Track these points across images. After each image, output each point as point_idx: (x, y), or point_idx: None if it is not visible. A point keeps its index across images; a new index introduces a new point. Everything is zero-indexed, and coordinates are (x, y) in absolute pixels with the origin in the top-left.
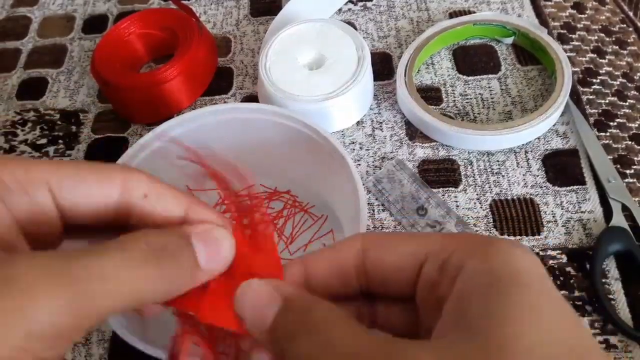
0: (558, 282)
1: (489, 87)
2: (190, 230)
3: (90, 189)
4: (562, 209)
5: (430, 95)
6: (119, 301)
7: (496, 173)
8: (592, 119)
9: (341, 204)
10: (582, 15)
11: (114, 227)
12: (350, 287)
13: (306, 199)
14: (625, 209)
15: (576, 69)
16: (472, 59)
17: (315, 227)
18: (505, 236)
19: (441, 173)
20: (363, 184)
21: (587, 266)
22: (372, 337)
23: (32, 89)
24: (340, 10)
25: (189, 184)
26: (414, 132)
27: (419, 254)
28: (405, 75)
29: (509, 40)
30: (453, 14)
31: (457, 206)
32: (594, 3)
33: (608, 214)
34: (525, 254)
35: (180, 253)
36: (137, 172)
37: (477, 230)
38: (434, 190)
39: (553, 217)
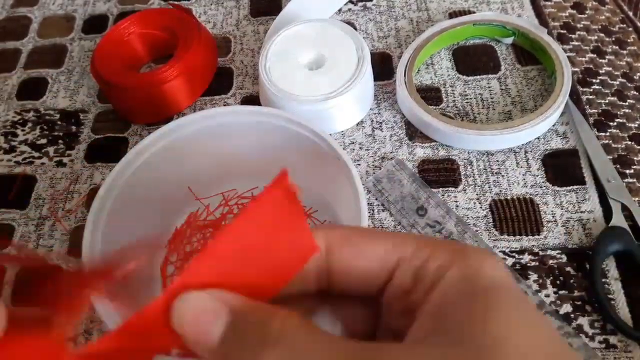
0: (558, 282)
1: (489, 87)
2: None
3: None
4: (562, 208)
5: (430, 95)
6: None
7: (496, 173)
8: (591, 119)
9: (342, 206)
10: (582, 16)
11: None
12: (308, 287)
13: (307, 200)
14: (625, 208)
15: (576, 69)
16: (472, 59)
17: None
18: (505, 236)
19: (441, 173)
20: (363, 184)
21: (587, 266)
22: (345, 344)
23: (32, 89)
24: (340, 10)
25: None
26: (413, 132)
27: (390, 259)
28: (405, 76)
29: (509, 40)
30: (453, 14)
31: (457, 206)
32: (594, 3)
33: (608, 213)
34: (498, 263)
35: None
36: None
37: (477, 230)
38: (434, 190)
39: (553, 217)
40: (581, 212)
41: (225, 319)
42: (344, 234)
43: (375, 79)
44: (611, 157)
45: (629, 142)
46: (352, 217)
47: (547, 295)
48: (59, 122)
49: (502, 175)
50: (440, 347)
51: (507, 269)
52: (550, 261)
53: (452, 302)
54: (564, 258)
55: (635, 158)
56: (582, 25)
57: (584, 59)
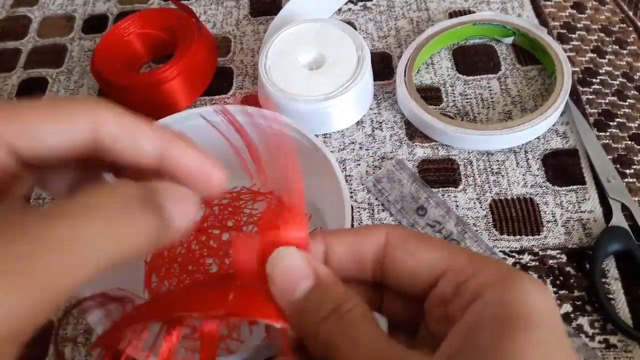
0: (558, 282)
1: (489, 87)
2: (157, 186)
3: (53, 138)
4: (562, 208)
5: (430, 95)
6: (90, 268)
7: (496, 173)
8: (592, 119)
9: (326, 202)
10: (582, 15)
11: (86, 164)
12: (364, 274)
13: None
14: (625, 208)
15: (576, 69)
16: (472, 59)
17: None
18: (505, 236)
19: (441, 173)
20: (363, 184)
21: (587, 266)
22: (390, 345)
23: (32, 89)
24: (340, 10)
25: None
26: (413, 132)
27: (439, 266)
28: (405, 75)
29: (509, 40)
30: (453, 14)
31: (457, 206)
32: (594, 3)
33: (608, 213)
34: (543, 293)
35: (156, 208)
36: (106, 109)
37: (477, 230)
38: (434, 190)
39: (553, 216)
40: (581, 212)
41: (311, 282)
42: (404, 234)
43: (375, 78)
44: (611, 157)
45: (629, 142)
46: (337, 216)
47: None
48: None
49: (502, 175)
50: None
51: (554, 301)
52: (550, 261)
53: (483, 325)
54: (564, 258)
55: (635, 158)
56: (582, 25)
57: (584, 58)
